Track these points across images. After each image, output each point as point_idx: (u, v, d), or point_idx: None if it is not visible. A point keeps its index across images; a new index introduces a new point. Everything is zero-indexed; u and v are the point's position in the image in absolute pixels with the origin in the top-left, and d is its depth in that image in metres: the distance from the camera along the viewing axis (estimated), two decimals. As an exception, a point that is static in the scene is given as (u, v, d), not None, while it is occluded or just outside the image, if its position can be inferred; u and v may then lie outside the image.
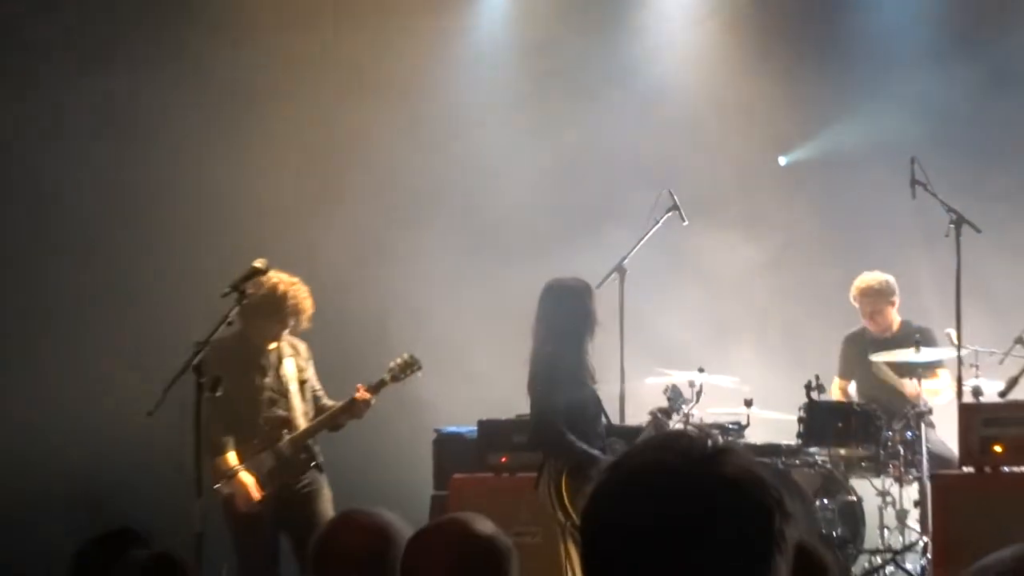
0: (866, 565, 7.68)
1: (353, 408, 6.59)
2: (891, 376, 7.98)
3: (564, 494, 6.25)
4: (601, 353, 7.04)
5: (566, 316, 6.50)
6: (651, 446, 1.57)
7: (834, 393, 8.07)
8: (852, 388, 8.31)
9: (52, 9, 8.38)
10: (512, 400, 7.05)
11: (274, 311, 6.55)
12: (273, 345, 6.61)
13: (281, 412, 6.62)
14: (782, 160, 9.47)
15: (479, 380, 8.06)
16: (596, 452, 6.23)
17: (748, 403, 7.72)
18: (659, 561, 1.46)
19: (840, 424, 7.55)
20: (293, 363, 6.70)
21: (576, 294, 6.54)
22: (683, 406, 7.33)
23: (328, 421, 6.61)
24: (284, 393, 6.64)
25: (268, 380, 6.62)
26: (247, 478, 6.34)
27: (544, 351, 6.44)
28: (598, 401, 6.50)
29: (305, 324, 6.65)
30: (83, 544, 3.55)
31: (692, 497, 1.47)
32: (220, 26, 8.56)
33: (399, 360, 6.69)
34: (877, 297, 8.05)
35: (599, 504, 1.54)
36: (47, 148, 8.44)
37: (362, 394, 6.53)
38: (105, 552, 3.55)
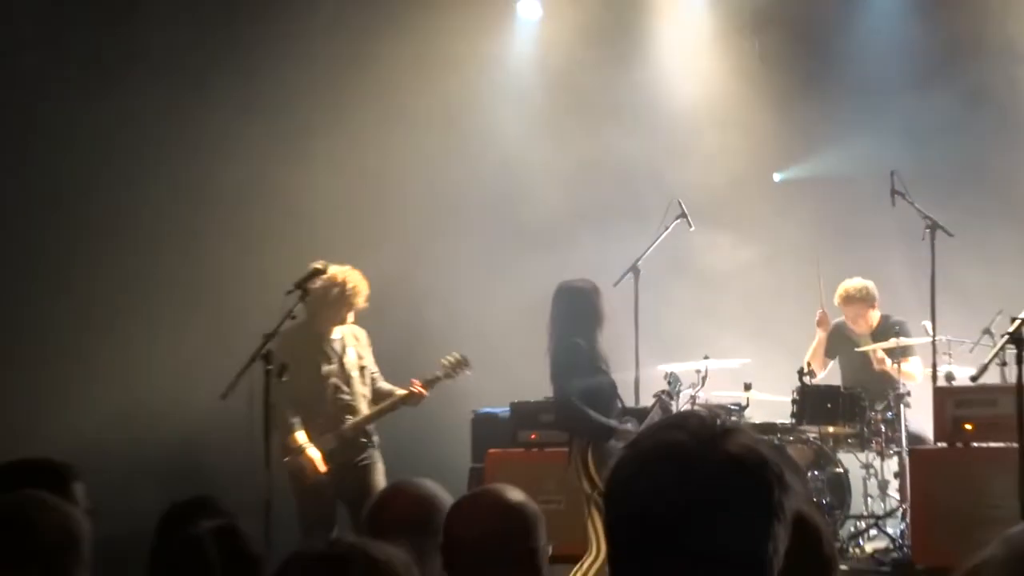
0: (852, 529, 7.76)
1: (409, 400, 6.74)
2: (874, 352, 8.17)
3: (590, 466, 6.30)
4: (618, 344, 7.14)
5: (577, 313, 6.58)
6: (666, 426, 1.54)
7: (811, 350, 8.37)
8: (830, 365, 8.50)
9: (124, 23, 8.56)
10: (539, 384, 7.09)
11: (337, 297, 6.64)
12: (337, 335, 6.71)
13: (345, 398, 6.71)
14: (776, 176, 9.53)
15: (510, 367, 8.09)
16: (614, 423, 6.29)
17: (747, 387, 7.88)
18: (674, 528, 1.45)
19: (829, 405, 7.64)
20: (354, 351, 6.80)
21: (584, 293, 6.63)
22: (681, 389, 7.43)
23: (387, 410, 6.76)
24: (347, 380, 6.72)
25: (333, 367, 6.70)
26: (314, 453, 6.49)
27: (561, 345, 6.53)
28: (613, 385, 6.53)
29: (363, 304, 6.74)
30: (166, 510, 3.60)
31: (702, 473, 1.46)
32: (282, 55, 8.81)
33: (451, 359, 6.83)
34: (860, 304, 8.21)
35: (621, 478, 1.52)
36: (135, 157, 8.63)
37: (418, 389, 6.69)
38: (184, 517, 3.52)
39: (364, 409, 6.68)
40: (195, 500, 3.64)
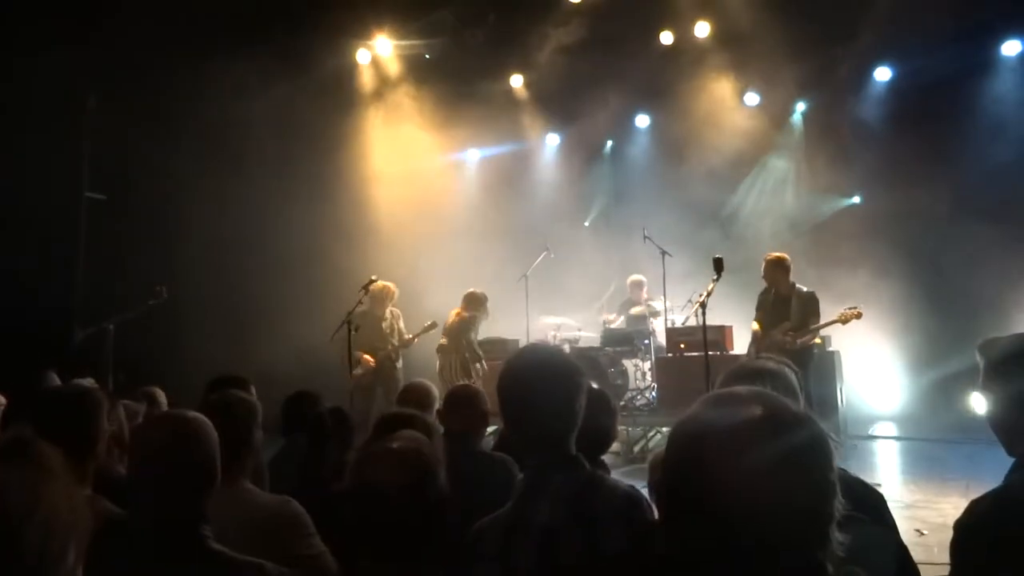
0: (629, 395, 12.42)
1: (412, 342, 11.87)
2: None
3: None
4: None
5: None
6: (532, 345, 2.81)
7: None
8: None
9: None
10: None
11: (384, 296, 11.74)
12: (386, 313, 11.82)
13: (382, 341, 11.69)
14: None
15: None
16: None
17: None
18: (529, 391, 2.42)
19: (620, 338, 12.68)
20: (392, 321, 11.82)
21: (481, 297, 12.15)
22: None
23: (405, 344, 11.97)
24: (390, 333, 11.83)
25: (384, 328, 11.73)
26: (369, 360, 11.67)
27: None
28: None
29: (394, 300, 11.89)
30: (289, 398, 4.95)
31: (553, 373, 2.43)
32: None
33: (427, 324, 11.72)
34: (639, 288, 13.49)
35: (506, 370, 2.46)
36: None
37: (412, 337, 11.84)
38: (302, 402, 4.88)
39: (395, 346, 11.63)
40: (309, 393, 4.97)
